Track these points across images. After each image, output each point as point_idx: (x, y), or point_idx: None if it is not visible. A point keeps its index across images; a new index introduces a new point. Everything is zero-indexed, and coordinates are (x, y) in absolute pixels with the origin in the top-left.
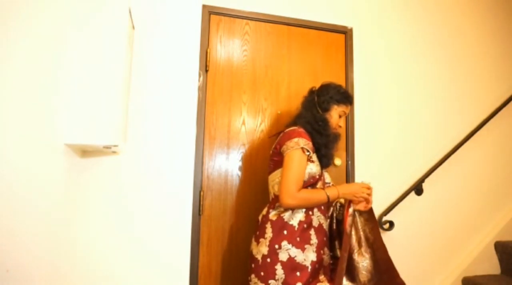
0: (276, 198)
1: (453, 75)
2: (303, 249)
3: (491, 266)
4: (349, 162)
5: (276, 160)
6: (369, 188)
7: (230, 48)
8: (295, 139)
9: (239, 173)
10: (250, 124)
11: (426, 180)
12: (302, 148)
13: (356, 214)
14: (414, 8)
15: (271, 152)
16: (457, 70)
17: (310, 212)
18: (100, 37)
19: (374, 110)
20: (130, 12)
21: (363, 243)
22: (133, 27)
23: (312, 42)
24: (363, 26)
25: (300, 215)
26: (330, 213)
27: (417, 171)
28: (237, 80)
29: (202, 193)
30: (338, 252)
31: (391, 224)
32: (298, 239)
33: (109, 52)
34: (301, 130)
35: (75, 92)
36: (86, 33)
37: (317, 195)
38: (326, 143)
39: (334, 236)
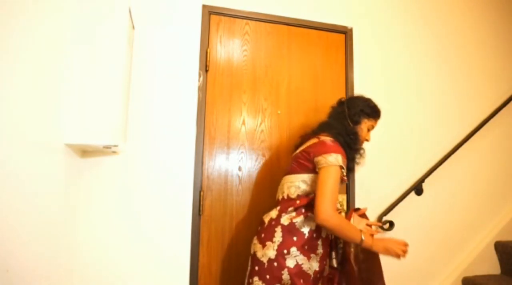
0: (289, 201)
1: (453, 75)
2: (308, 258)
3: (491, 266)
4: None
5: (305, 164)
6: (405, 245)
7: (230, 48)
8: (335, 155)
9: (239, 173)
10: (250, 124)
11: (426, 180)
12: (341, 166)
13: None
14: (414, 8)
15: (298, 153)
16: (457, 70)
17: None
18: (100, 37)
19: None
20: (130, 12)
21: (352, 261)
22: (133, 27)
23: (312, 42)
24: (363, 26)
25: (312, 224)
26: None
27: (417, 171)
28: (237, 80)
29: (202, 193)
30: (334, 262)
31: (391, 224)
32: (306, 247)
33: (109, 52)
34: (338, 144)
35: (75, 92)
36: (86, 33)
37: (352, 230)
38: (354, 157)
39: (332, 246)
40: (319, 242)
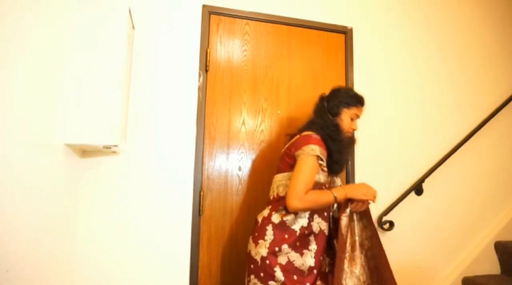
0: (279, 199)
1: (453, 75)
2: (301, 254)
3: (491, 266)
4: (349, 162)
5: (288, 162)
6: (375, 191)
7: (230, 48)
8: (312, 146)
9: (239, 173)
10: (250, 124)
11: (426, 180)
12: (318, 156)
13: (355, 218)
14: (414, 9)
15: (283, 152)
16: (456, 70)
17: (311, 218)
18: (100, 37)
19: (374, 109)
20: (130, 12)
21: (357, 249)
22: (133, 27)
23: (312, 42)
24: (363, 26)
25: (303, 221)
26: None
27: (417, 171)
28: (237, 80)
29: (202, 193)
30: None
31: (391, 224)
32: (297, 243)
33: (109, 52)
34: (318, 137)
35: (75, 92)
36: (86, 33)
37: (324, 196)
38: (339, 149)
39: (333, 235)
40: (311, 238)
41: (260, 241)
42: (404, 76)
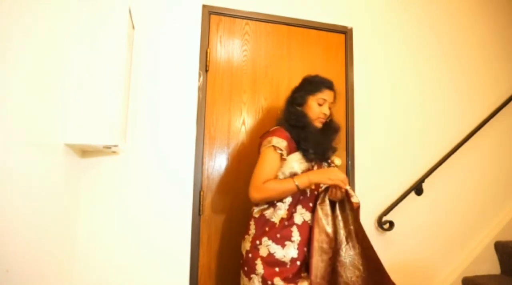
0: None
1: (453, 75)
2: (283, 246)
3: (491, 266)
4: (349, 162)
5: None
6: (345, 177)
7: (230, 48)
8: (269, 138)
9: (239, 173)
10: (250, 124)
11: (426, 180)
12: (274, 146)
13: (347, 208)
14: (414, 8)
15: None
16: (456, 70)
17: (293, 210)
18: (100, 37)
19: (374, 109)
20: (130, 12)
21: (353, 238)
22: (133, 27)
23: (312, 42)
24: (363, 26)
25: (281, 212)
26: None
27: (417, 171)
28: (237, 80)
29: (202, 193)
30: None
31: (391, 224)
32: (278, 235)
33: (109, 52)
34: (279, 128)
35: (75, 92)
36: (86, 33)
37: (284, 184)
38: (305, 136)
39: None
40: (293, 229)
41: (246, 236)
42: (404, 76)
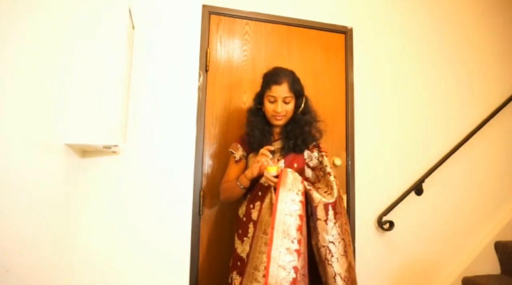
0: None
1: (453, 75)
2: (242, 242)
3: (491, 266)
4: (349, 162)
5: None
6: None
7: (230, 48)
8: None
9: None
10: None
11: (426, 180)
12: (230, 151)
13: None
14: (414, 8)
15: None
16: (457, 70)
17: (251, 205)
18: (100, 37)
19: (374, 109)
20: (130, 12)
21: (340, 247)
22: (133, 27)
23: (312, 42)
24: (363, 26)
25: (242, 208)
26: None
27: (417, 171)
28: (237, 80)
29: (202, 193)
30: (312, 241)
31: (391, 224)
32: (240, 231)
33: (109, 52)
34: (241, 136)
35: (75, 92)
36: (86, 33)
37: (230, 185)
38: (249, 132)
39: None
40: (250, 225)
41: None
42: (404, 76)
